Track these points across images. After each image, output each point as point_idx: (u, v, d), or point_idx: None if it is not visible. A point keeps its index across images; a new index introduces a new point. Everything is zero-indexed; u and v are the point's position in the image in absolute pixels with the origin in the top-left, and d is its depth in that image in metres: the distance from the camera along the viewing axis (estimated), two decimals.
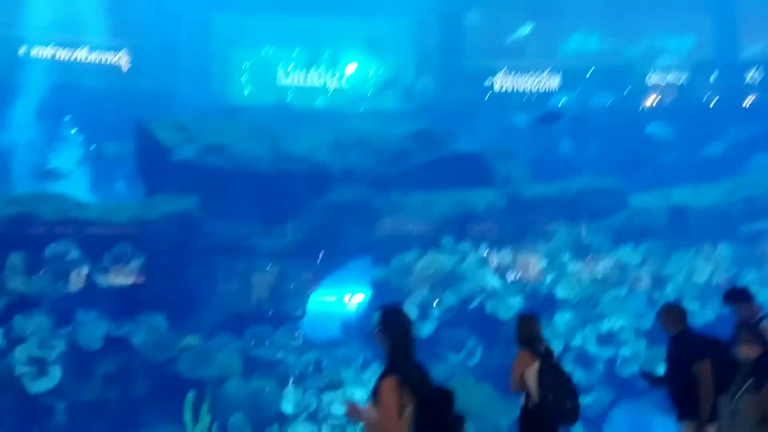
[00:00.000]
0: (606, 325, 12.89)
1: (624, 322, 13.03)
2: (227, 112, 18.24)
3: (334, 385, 12.20)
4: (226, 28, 20.84)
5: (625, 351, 12.76)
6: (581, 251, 14.12)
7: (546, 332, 12.77)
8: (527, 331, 5.83)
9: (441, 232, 13.89)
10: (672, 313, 6.30)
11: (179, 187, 13.27)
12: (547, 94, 21.45)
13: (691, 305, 13.04)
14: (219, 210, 13.26)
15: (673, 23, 20.95)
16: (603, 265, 13.79)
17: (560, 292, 13.33)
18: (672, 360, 6.26)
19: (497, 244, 14.04)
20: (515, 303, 13.27)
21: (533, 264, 13.93)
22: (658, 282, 13.27)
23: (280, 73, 21.78)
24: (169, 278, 12.95)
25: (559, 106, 18.06)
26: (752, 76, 20.84)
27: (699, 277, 13.18)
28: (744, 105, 21.04)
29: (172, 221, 13.00)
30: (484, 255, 13.76)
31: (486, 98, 20.54)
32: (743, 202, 14.09)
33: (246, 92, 21.87)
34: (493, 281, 13.43)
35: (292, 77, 21.86)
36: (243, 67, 21.90)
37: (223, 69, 21.38)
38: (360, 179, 14.22)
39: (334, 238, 13.61)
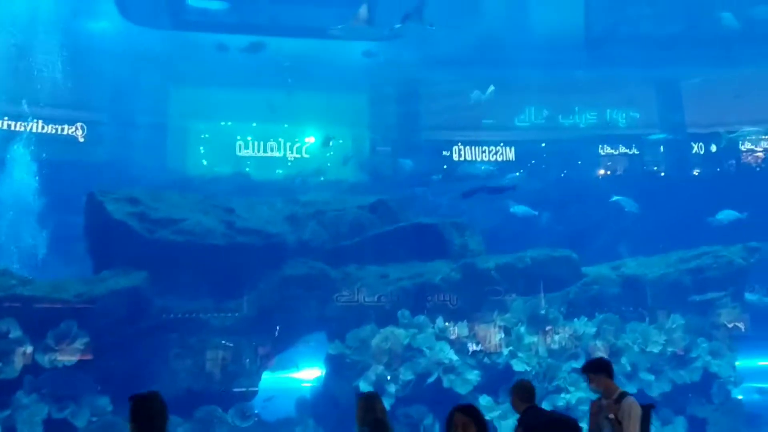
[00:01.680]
0: (563, 399, 12.78)
1: (582, 394, 12.93)
2: (183, 184, 18.14)
3: None
4: (183, 101, 20.92)
5: (584, 424, 12.59)
6: (538, 322, 14.12)
7: (504, 407, 12.79)
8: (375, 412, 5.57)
9: (397, 305, 13.77)
10: (516, 391, 6.04)
11: (129, 262, 12.99)
12: (503, 166, 21.96)
13: (645, 376, 13.10)
14: (170, 285, 12.98)
15: (620, 99, 21.85)
16: (559, 337, 13.79)
17: (517, 365, 13.24)
18: None
19: (454, 316, 13.97)
20: (473, 377, 13.13)
21: (490, 336, 13.87)
22: (613, 353, 13.27)
23: (239, 145, 21.87)
24: (115, 357, 12.56)
25: (503, 178, 18.40)
26: (696, 149, 21.76)
27: (653, 347, 13.24)
28: (693, 174, 21.91)
29: (120, 297, 12.70)
30: (441, 328, 13.65)
31: (442, 170, 20.90)
32: (693, 272, 14.35)
33: (204, 164, 21.87)
34: (450, 355, 13.29)
35: (250, 149, 21.96)
36: (201, 138, 21.97)
37: (181, 141, 21.37)
38: (316, 252, 14.13)
39: (289, 312, 13.39)
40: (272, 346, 13.53)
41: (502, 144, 22.46)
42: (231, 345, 13.28)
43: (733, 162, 22.36)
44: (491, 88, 18.70)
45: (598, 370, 6.34)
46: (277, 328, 13.65)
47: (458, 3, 19.02)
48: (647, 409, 6.31)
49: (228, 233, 13.57)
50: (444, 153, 22.19)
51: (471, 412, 4.93)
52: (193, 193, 15.30)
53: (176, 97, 20.80)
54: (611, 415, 6.02)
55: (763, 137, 22.14)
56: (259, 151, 22.04)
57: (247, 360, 13.30)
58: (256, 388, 13.17)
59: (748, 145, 22.69)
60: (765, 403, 15.35)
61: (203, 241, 13.26)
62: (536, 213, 17.81)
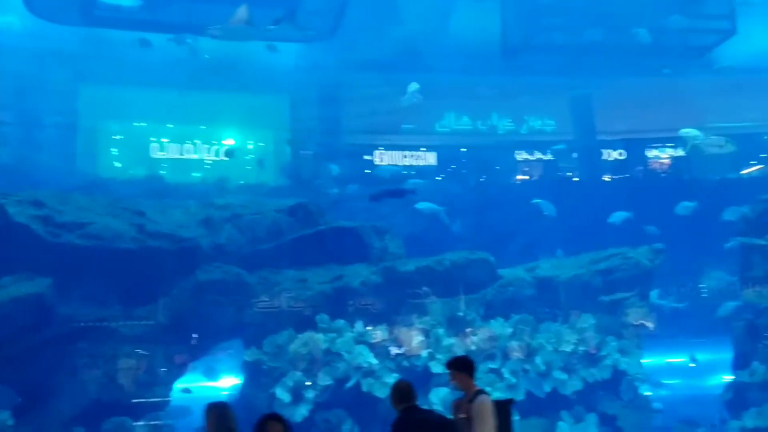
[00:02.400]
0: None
1: (499, 394, 13.13)
2: (94, 187, 17.38)
3: None
4: (94, 100, 20.07)
5: None
6: (456, 324, 14.27)
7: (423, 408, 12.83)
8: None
9: (316, 309, 13.62)
10: (393, 392, 5.92)
11: (32, 268, 12.32)
12: (424, 170, 22.19)
13: (558, 375, 13.43)
14: (77, 292, 12.42)
15: (536, 106, 22.47)
16: (477, 338, 13.97)
17: (436, 367, 13.32)
18: None
19: (374, 320, 13.94)
20: (391, 380, 13.10)
21: (410, 339, 13.91)
22: (529, 353, 13.56)
23: (154, 147, 21.20)
24: (17, 367, 11.89)
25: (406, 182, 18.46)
26: (607, 155, 22.67)
27: (565, 347, 13.60)
28: (604, 180, 22.77)
29: (23, 305, 12.07)
30: (361, 332, 13.60)
31: (362, 173, 20.91)
32: (603, 273, 14.84)
33: (116, 166, 21.08)
34: (369, 359, 13.25)
35: (165, 151, 21.33)
36: (113, 140, 21.17)
37: (92, 142, 20.52)
38: (232, 256, 13.80)
39: (204, 319, 13.02)
40: (187, 354, 13.12)
41: (423, 149, 22.72)
42: (143, 354, 12.80)
43: (641, 168, 23.39)
44: (414, 85, 18.83)
45: (460, 367, 6.32)
46: (194, 336, 13.25)
47: (380, 8, 19.08)
48: (506, 405, 6.36)
49: (138, 237, 13.07)
50: (366, 157, 22.24)
51: (283, 420, 4.89)
52: (101, 195, 14.66)
53: (87, 96, 19.94)
54: (462, 415, 6.02)
55: (669, 144, 23.29)
56: (175, 153, 21.46)
57: (160, 369, 12.84)
58: (169, 398, 12.74)
59: (655, 152, 23.79)
60: (671, 398, 16.05)
61: (112, 245, 12.72)
62: (442, 209, 17.92)
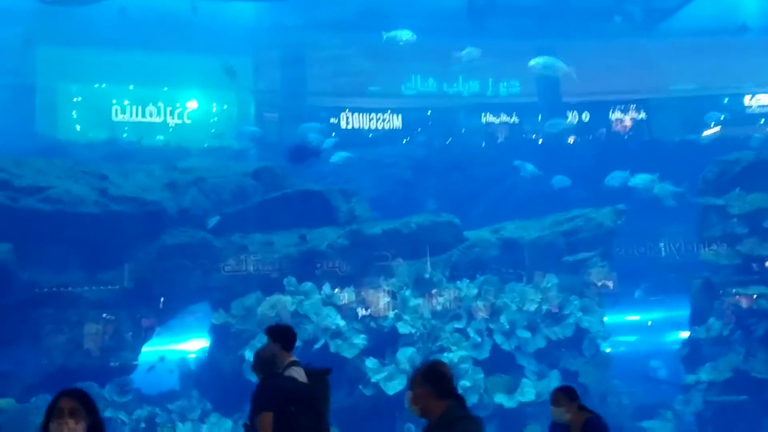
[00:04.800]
0: (446, 358, 13.17)
1: (464, 353, 13.41)
2: (54, 151, 16.94)
3: None
4: (53, 61, 19.46)
5: (464, 382, 13.09)
6: (422, 286, 14.44)
7: (390, 368, 13.03)
8: None
9: (283, 272, 13.63)
10: (255, 359, 5.64)
11: None
12: (390, 133, 22.11)
13: (522, 333, 13.73)
14: (38, 257, 12.20)
15: (502, 69, 22.45)
16: (443, 299, 14.17)
17: (403, 328, 13.50)
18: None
19: (340, 282, 14.02)
20: (359, 341, 13.28)
21: (377, 300, 14.04)
22: (493, 313, 13.81)
23: (115, 110, 20.69)
24: None
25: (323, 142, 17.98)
26: (572, 117, 22.83)
27: (529, 306, 13.87)
28: (568, 142, 22.98)
29: None
30: (328, 294, 13.68)
31: (331, 136, 20.75)
32: (565, 234, 15.09)
33: (77, 129, 20.55)
34: (337, 320, 13.36)
35: (127, 114, 20.84)
36: (73, 102, 20.61)
37: (50, 104, 19.94)
38: (197, 220, 13.69)
39: (170, 283, 12.94)
40: (153, 318, 13.06)
41: (389, 111, 22.59)
42: (108, 318, 12.71)
43: (604, 130, 23.64)
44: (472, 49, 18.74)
45: (275, 337, 5.90)
46: (158, 298, 13.19)
47: None
48: (321, 375, 5.88)
49: (101, 201, 12.86)
50: (332, 120, 22.05)
51: (80, 394, 4.10)
52: (60, 159, 14.32)
53: (44, 57, 19.31)
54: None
55: (632, 106, 23.53)
56: (137, 116, 20.97)
57: (126, 333, 12.78)
58: (136, 362, 12.71)
59: (618, 114, 24.04)
60: (630, 355, 16.57)
61: (73, 209, 12.49)
62: (353, 156, 17.65)
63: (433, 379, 4.23)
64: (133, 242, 12.96)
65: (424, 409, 4.19)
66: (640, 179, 16.95)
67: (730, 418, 13.65)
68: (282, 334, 5.95)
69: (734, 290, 14.35)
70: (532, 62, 18.52)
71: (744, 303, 14.28)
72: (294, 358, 5.93)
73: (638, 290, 16.77)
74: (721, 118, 21.45)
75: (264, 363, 5.57)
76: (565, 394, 6.02)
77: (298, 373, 5.69)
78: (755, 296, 14.14)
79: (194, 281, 13.25)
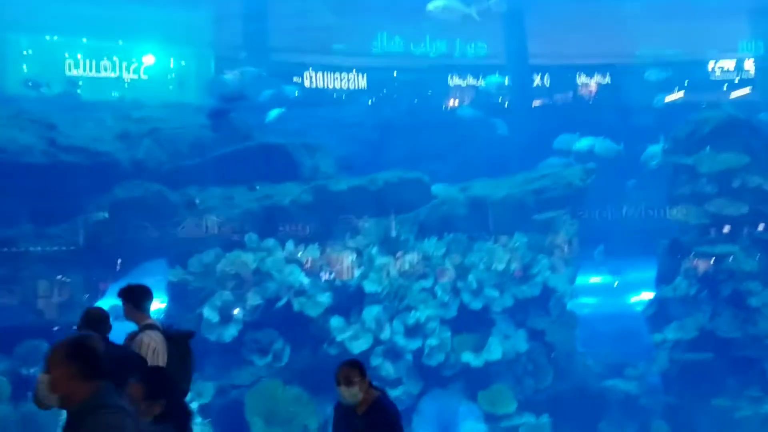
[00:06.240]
0: (413, 317, 12.87)
1: (431, 311, 13.12)
2: (2, 105, 15.98)
3: None
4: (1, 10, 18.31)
5: (431, 341, 12.82)
6: (389, 244, 14.06)
7: (356, 327, 12.67)
8: None
9: (244, 228, 13.09)
10: (84, 317, 5.33)
11: None
12: (355, 92, 21.55)
13: (490, 292, 13.48)
14: None
15: (469, 30, 21.98)
16: (409, 258, 13.81)
17: (369, 286, 13.12)
18: None
19: (304, 239, 13.56)
20: (324, 299, 12.88)
21: (342, 258, 13.63)
22: (461, 272, 13.52)
23: (68, 64, 19.65)
24: None
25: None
26: (539, 81, 22.58)
27: (498, 265, 13.61)
28: (533, 106, 22.75)
29: None
30: (291, 251, 13.21)
31: (295, 94, 20.06)
32: (534, 193, 14.82)
33: (27, 84, 19.47)
34: (300, 278, 12.93)
35: (80, 68, 19.81)
36: (23, 55, 19.49)
37: None
38: (152, 173, 13.01)
39: (122, 238, 12.31)
40: (105, 275, 12.43)
41: (354, 70, 21.97)
42: (57, 275, 12.05)
43: (570, 93, 23.42)
44: None
45: (127, 298, 5.54)
46: (114, 255, 12.55)
47: None
48: (183, 339, 5.52)
49: (49, 151, 12.12)
50: (295, 79, 21.36)
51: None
52: (5, 106, 13.46)
53: None
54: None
55: (598, 71, 23.32)
56: (91, 70, 19.96)
57: (77, 290, 12.14)
58: None
59: (583, 78, 23.84)
60: (594, 316, 16.50)
61: (19, 159, 11.73)
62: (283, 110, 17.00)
63: (79, 355, 3.28)
64: (84, 195, 12.28)
65: (65, 396, 3.28)
66: (584, 142, 17.02)
67: (695, 377, 13.67)
68: (132, 293, 5.55)
69: (702, 250, 14.30)
70: (430, 6, 18.20)
71: (711, 263, 14.26)
72: (150, 320, 5.47)
73: (596, 251, 16.63)
74: (685, 83, 21.45)
75: (88, 322, 5.23)
76: (360, 371, 5.20)
77: (153, 338, 5.23)
78: (722, 256, 14.11)
79: (149, 237, 12.63)
